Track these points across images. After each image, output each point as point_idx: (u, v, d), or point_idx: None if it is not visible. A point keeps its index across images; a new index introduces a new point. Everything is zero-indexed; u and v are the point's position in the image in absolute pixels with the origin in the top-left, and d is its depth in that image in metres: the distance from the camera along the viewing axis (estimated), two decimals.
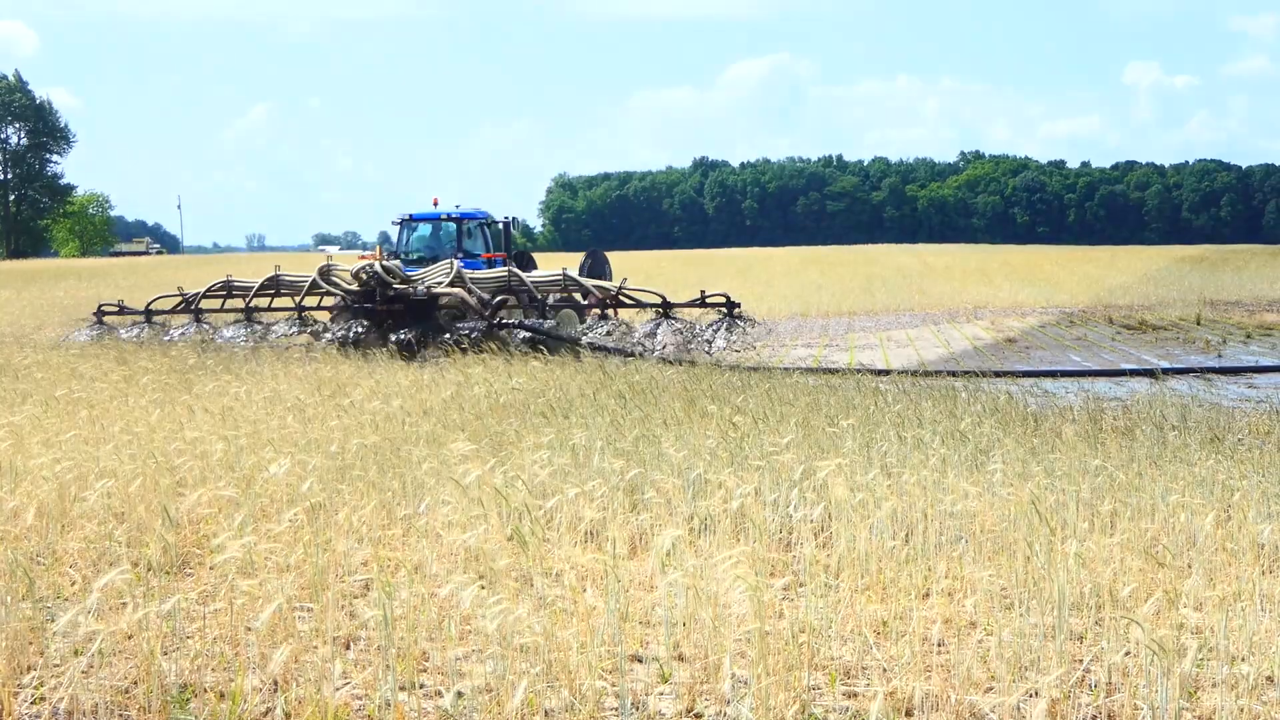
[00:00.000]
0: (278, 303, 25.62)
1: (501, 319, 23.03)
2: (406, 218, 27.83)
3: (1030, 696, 5.99)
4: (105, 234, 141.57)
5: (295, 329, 24.15)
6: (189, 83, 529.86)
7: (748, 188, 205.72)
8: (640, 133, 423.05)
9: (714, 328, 23.03)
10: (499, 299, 23.42)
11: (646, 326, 23.20)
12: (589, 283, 24.25)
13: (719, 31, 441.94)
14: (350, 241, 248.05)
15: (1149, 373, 21.02)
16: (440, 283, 23.51)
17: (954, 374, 19.36)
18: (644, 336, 22.79)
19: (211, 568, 7.93)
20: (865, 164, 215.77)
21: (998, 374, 19.94)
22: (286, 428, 12.06)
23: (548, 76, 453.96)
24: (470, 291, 23.37)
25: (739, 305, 23.74)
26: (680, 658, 6.59)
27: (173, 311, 25.72)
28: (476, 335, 22.02)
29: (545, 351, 20.31)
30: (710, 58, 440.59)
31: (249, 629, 6.72)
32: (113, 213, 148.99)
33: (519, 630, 6.13)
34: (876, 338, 30.36)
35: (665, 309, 23.43)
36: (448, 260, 24.30)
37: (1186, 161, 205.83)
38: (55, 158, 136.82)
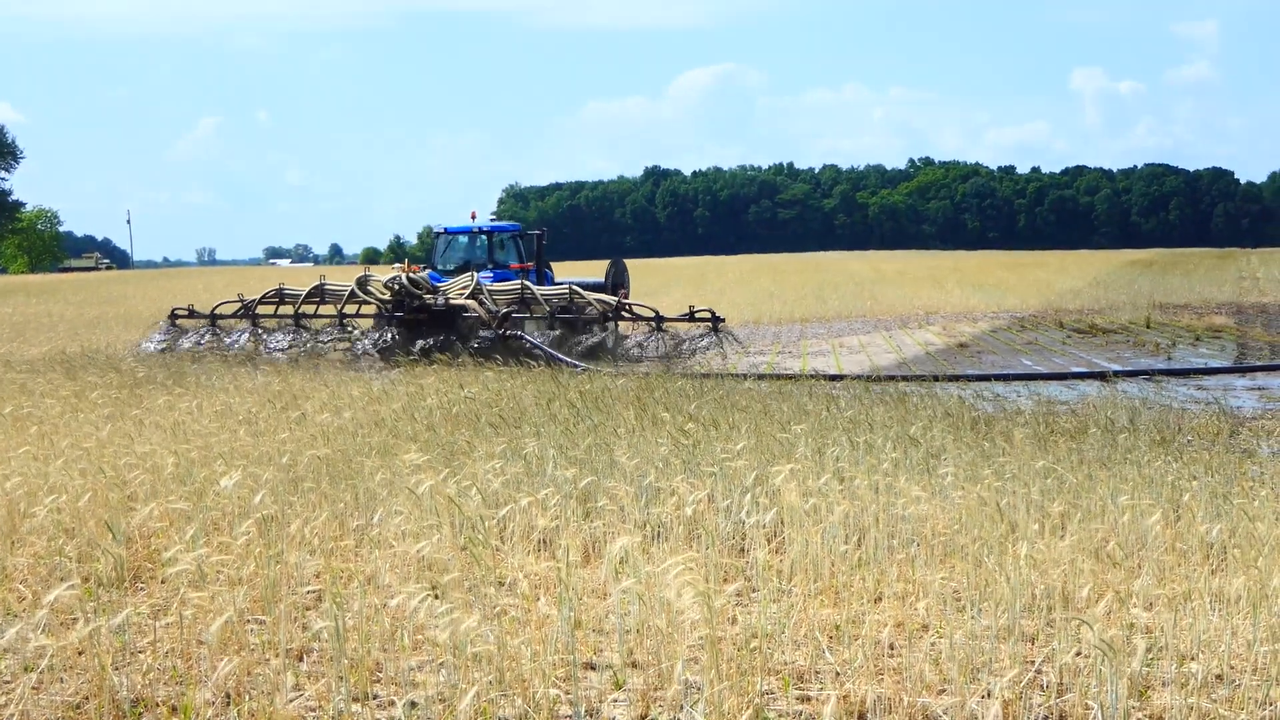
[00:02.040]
0: (322, 310, 26.61)
1: (507, 329, 23.96)
2: (442, 230, 29.67)
3: (982, 698, 6.03)
4: (54, 250, 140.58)
5: (336, 335, 25.31)
6: (136, 97, 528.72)
7: (699, 196, 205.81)
8: (592, 142, 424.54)
9: (700, 339, 24.62)
10: (505, 310, 24.38)
11: (638, 337, 24.92)
12: (592, 296, 25.28)
13: (667, 41, 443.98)
14: (302, 254, 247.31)
15: (1100, 375, 21.18)
16: (460, 294, 24.78)
17: (906, 379, 19.44)
18: (635, 346, 24.53)
19: (163, 581, 7.88)
20: (816, 171, 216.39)
21: (950, 378, 20.03)
22: (238, 441, 12.01)
23: (499, 87, 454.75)
24: (482, 303, 24.43)
25: (724, 320, 25.23)
26: (634, 664, 6.59)
27: (234, 316, 26.81)
28: (486, 345, 23.05)
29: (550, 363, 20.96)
30: (660, 68, 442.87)
31: (201, 642, 6.68)
32: (61, 228, 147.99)
33: (472, 639, 6.11)
34: (829, 344, 30.43)
35: (658, 323, 24.79)
36: (469, 273, 25.75)
37: (1135, 166, 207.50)
38: (2, 174, 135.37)
